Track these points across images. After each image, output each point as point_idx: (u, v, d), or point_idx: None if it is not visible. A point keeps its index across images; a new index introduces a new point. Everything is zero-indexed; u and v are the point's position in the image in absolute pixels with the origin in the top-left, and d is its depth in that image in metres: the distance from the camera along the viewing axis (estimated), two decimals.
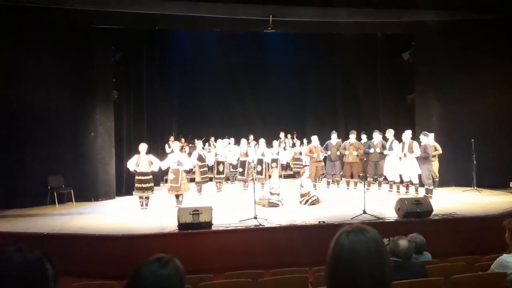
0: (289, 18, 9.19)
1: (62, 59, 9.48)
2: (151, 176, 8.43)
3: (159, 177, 11.91)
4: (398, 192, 9.70)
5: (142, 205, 8.37)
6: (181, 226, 6.29)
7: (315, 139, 10.73)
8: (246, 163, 10.91)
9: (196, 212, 6.32)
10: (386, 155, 9.84)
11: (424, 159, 9.07)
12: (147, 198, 8.42)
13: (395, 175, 9.77)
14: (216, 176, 10.55)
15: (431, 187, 8.98)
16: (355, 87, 13.97)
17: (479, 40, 10.14)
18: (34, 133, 9.04)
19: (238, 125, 14.88)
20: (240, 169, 10.97)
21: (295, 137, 14.54)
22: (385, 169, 9.92)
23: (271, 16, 8.88)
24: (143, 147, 8.37)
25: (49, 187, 9.03)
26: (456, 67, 10.53)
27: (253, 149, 11.30)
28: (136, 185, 8.30)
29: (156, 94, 12.84)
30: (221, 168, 10.69)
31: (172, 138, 13.13)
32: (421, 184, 9.23)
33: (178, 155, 8.72)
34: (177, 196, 8.54)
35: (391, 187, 9.99)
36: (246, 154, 10.90)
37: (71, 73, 9.62)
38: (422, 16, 9.26)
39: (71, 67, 9.60)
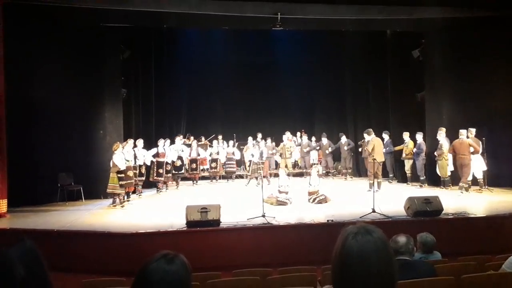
0: (297, 15, 9.15)
1: (71, 57, 9.57)
2: None
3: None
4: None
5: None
6: (189, 223, 6.32)
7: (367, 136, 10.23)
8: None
9: (204, 210, 6.33)
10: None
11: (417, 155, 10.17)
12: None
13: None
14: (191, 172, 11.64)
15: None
16: (364, 85, 13.86)
17: (490, 37, 9.96)
18: (44, 131, 9.13)
19: (245, 123, 14.90)
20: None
21: (303, 134, 14.46)
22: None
23: (279, 13, 8.84)
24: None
25: (59, 185, 9.12)
26: (466, 64, 10.36)
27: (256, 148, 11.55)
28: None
29: (164, 91, 12.90)
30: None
31: (181, 136, 13.15)
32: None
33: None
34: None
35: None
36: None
37: (80, 71, 9.69)
38: (432, 13, 9.15)
39: (80, 65, 9.68)
